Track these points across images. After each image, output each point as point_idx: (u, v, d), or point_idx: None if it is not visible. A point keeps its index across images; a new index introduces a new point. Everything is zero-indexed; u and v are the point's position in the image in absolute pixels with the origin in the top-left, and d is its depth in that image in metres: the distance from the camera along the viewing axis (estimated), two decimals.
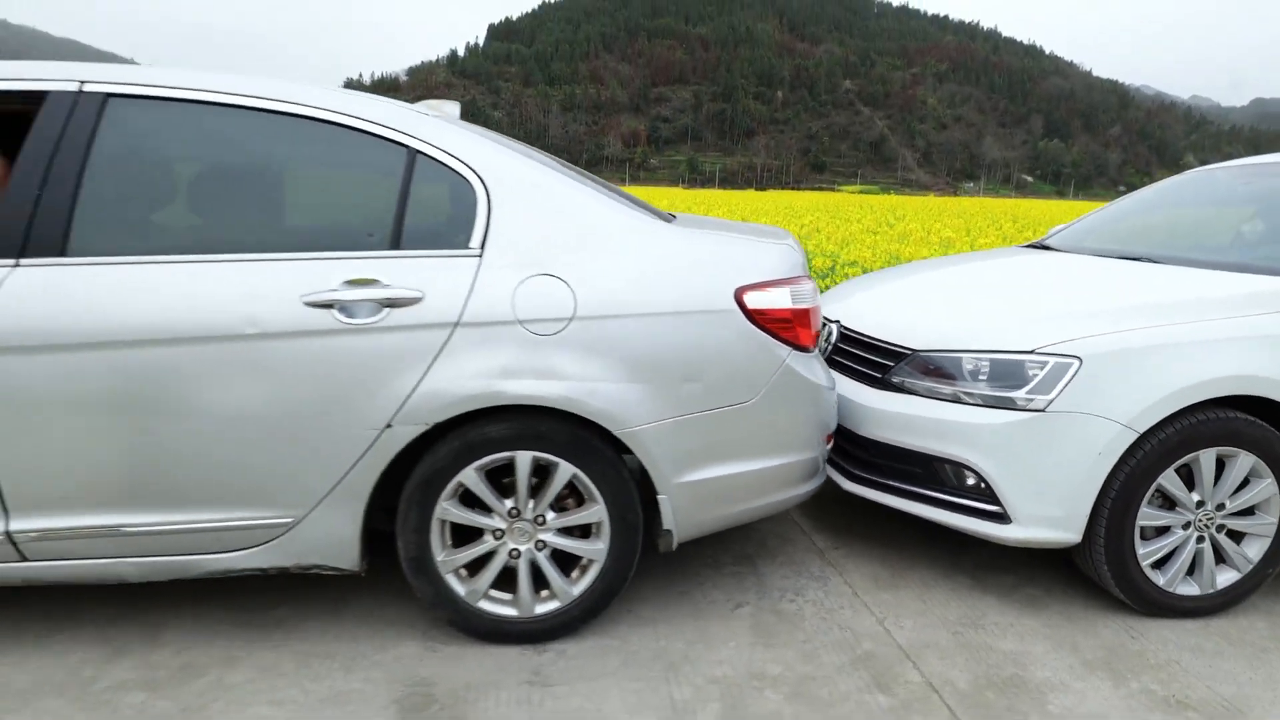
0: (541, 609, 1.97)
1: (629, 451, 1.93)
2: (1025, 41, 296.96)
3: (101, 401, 1.70)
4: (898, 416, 2.32)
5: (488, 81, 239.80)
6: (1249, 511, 2.21)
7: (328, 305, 1.74)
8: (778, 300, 1.99)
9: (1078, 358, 2.11)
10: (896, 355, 2.44)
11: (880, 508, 2.91)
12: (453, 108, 2.46)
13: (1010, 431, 2.14)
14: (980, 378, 2.25)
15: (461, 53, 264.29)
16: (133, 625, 2.05)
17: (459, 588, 1.93)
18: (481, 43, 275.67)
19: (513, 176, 1.91)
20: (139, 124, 1.80)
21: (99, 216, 1.75)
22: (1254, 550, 2.21)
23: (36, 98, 1.79)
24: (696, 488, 1.97)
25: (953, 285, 2.83)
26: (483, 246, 1.85)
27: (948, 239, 12.52)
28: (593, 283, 1.85)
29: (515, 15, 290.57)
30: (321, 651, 1.94)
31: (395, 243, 1.84)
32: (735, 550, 2.58)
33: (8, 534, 1.73)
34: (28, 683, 1.79)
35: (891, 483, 2.39)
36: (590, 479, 1.90)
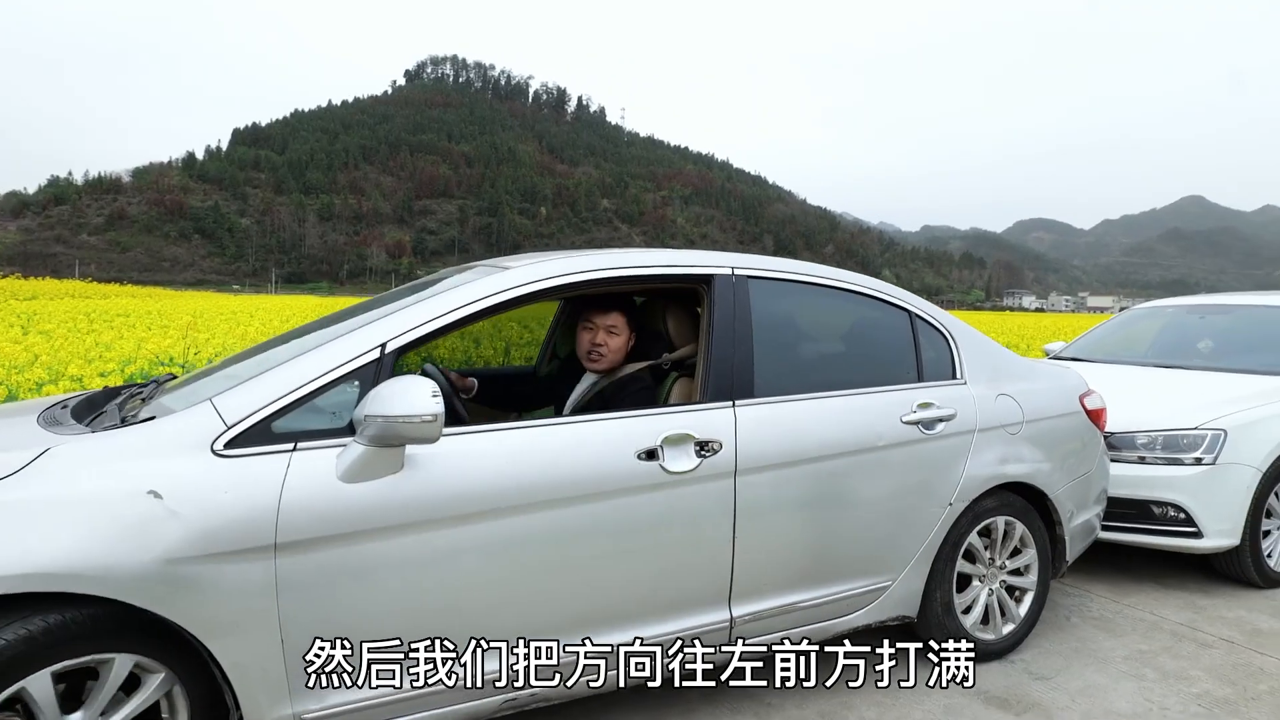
0: (1005, 630, 2.80)
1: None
2: (752, 172, 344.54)
3: (799, 504, 2.34)
4: (1115, 478, 3.50)
5: (233, 187, 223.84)
6: None
7: (915, 423, 2.55)
8: (1095, 402, 3.13)
9: (1224, 430, 3.47)
10: None
11: None
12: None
13: (1199, 479, 3.43)
14: (1155, 447, 3.52)
15: (201, 155, 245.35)
16: None
17: (965, 622, 2.71)
18: (225, 146, 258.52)
19: (960, 328, 2.88)
20: (770, 297, 2.50)
21: (766, 365, 2.41)
22: None
23: (704, 280, 2.42)
24: (1076, 530, 3.00)
25: None
26: (963, 377, 2.76)
27: None
28: (1025, 398, 2.86)
29: (264, 121, 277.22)
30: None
31: (919, 377, 2.70)
32: None
33: (730, 619, 2.25)
34: None
35: (1111, 523, 3.54)
36: (1030, 531, 2.83)
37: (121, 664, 1.62)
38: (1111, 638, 3.06)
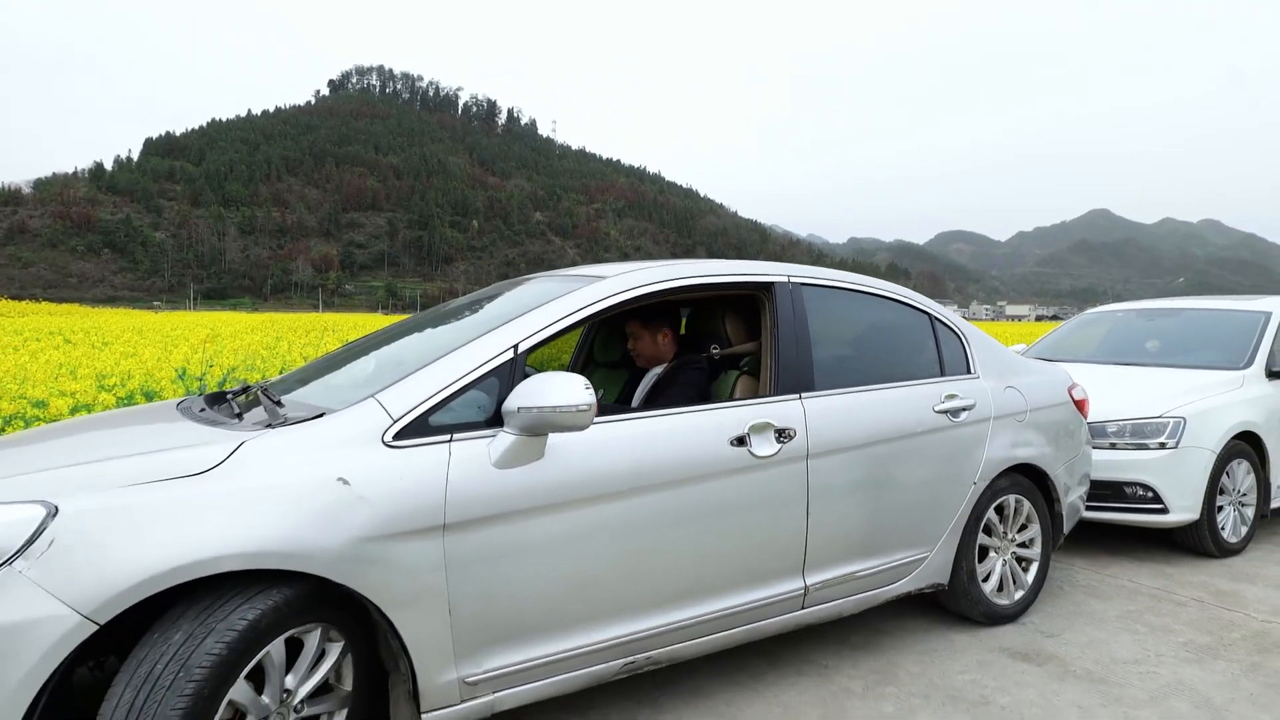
0: (1016, 596, 3.17)
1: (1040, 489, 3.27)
2: (684, 185, 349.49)
3: (858, 484, 2.65)
4: (1096, 463, 3.95)
5: (146, 199, 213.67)
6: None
7: (944, 412, 2.89)
8: (1080, 393, 3.56)
9: (1184, 418, 3.96)
10: None
11: None
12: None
13: (1165, 461, 3.90)
14: (1125, 434, 3.99)
15: (110, 166, 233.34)
16: None
17: (985, 588, 3.06)
18: (136, 157, 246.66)
19: (969, 328, 3.26)
20: (819, 301, 2.81)
21: (821, 362, 2.71)
22: (1250, 512, 4.19)
23: (766, 286, 2.71)
24: (1070, 505, 3.38)
25: None
26: (976, 371, 3.13)
27: None
28: (1027, 390, 3.25)
29: (179, 130, 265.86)
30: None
31: (941, 371, 3.05)
32: None
33: (805, 587, 2.53)
34: None
35: (1089, 503, 3.98)
36: (1034, 507, 3.21)
37: (322, 633, 1.79)
38: (1101, 601, 3.47)
